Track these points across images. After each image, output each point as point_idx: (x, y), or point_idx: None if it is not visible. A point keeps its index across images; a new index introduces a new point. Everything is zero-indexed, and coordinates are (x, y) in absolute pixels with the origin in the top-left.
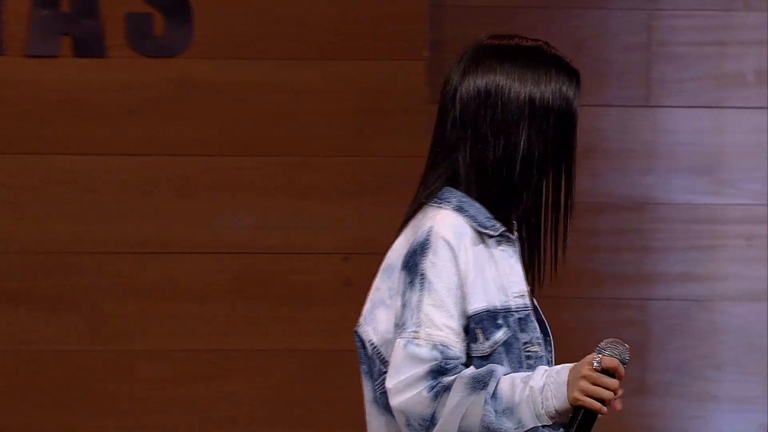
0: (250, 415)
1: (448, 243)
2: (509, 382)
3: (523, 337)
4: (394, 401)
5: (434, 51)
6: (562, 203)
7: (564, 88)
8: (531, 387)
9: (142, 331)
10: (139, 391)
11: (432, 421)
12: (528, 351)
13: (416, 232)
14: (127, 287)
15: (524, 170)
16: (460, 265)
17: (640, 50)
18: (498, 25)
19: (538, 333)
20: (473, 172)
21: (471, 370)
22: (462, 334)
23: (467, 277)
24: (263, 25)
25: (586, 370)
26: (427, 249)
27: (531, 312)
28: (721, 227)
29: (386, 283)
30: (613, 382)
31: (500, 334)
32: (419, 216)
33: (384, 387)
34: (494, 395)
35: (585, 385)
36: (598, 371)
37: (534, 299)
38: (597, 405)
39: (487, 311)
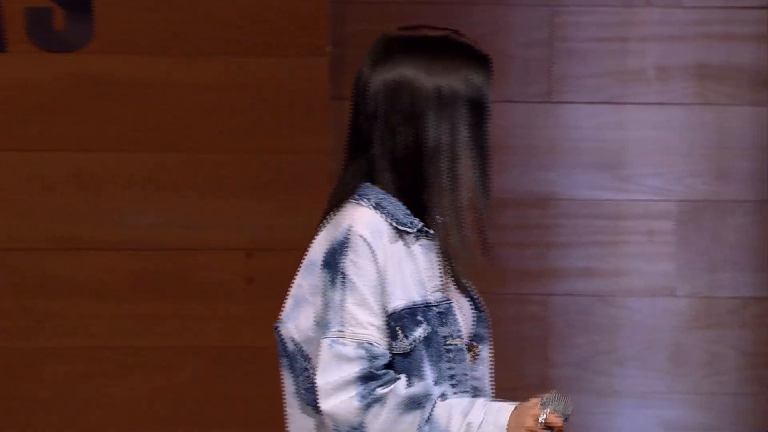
0: (153, 413)
1: (367, 241)
2: (446, 410)
3: (443, 330)
4: (324, 404)
5: (336, 47)
6: (480, 189)
7: (472, 76)
8: (469, 422)
9: (45, 329)
10: (43, 391)
11: (360, 430)
12: (448, 344)
13: (336, 230)
14: (28, 284)
15: (434, 159)
16: (378, 263)
17: (542, 46)
18: (400, 21)
19: (458, 326)
20: (387, 165)
21: (405, 386)
22: (386, 330)
23: (386, 275)
24: (165, 21)
25: (530, 423)
26: (346, 248)
27: (451, 305)
28: (623, 223)
29: (307, 280)
30: None
31: (420, 332)
32: (339, 213)
33: (308, 383)
34: (429, 420)
35: None
36: (541, 427)
37: (465, 282)
38: None
39: (407, 308)
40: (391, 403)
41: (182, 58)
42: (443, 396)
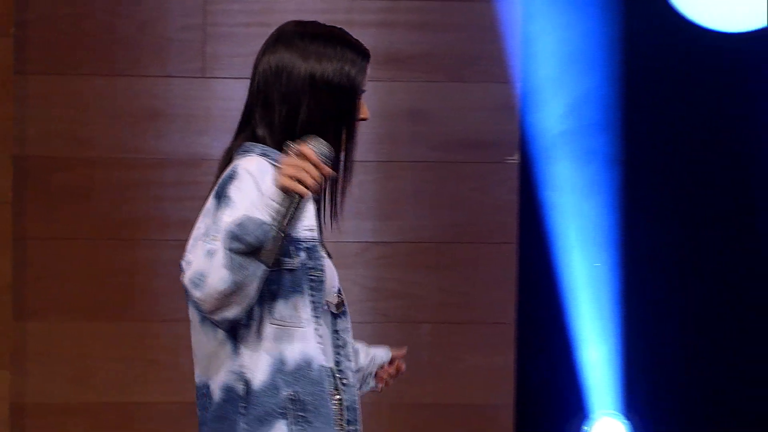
0: None
1: (252, 174)
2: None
3: (309, 263)
4: (185, 282)
5: (20, 29)
6: (341, 163)
7: (347, 66)
8: (262, 193)
9: None
10: None
11: (200, 281)
12: (312, 275)
13: (226, 172)
14: None
15: (302, 134)
16: (261, 191)
17: (197, 30)
18: (73, 6)
19: (322, 261)
20: (268, 134)
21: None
22: None
23: None
24: None
25: (283, 159)
26: (234, 178)
27: (317, 244)
28: None
29: (204, 222)
30: (307, 165)
31: (303, 255)
32: (229, 166)
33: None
34: (240, 224)
35: (284, 168)
36: (293, 154)
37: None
38: (296, 186)
39: (290, 235)
40: (220, 243)
41: None
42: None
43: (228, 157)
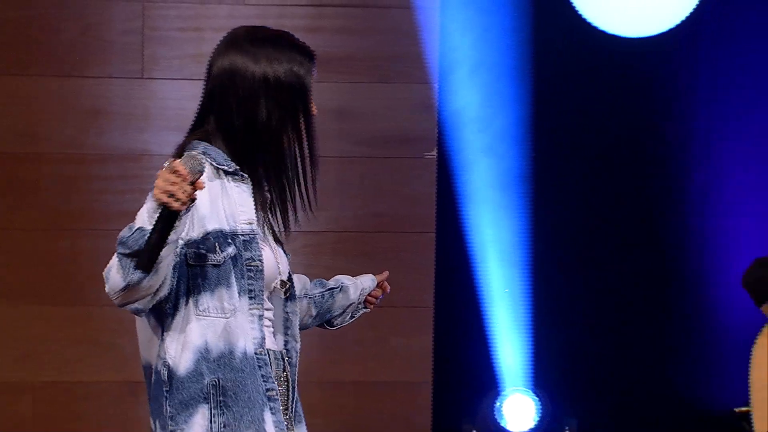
0: None
1: None
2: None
3: (247, 254)
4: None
5: None
6: (307, 157)
7: (296, 67)
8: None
9: None
10: None
11: (107, 281)
12: (249, 266)
13: None
14: None
15: (264, 133)
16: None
17: (136, 34)
18: (20, 11)
19: (259, 252)
20: (221, 134)
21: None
22: (195, 243)
23: (201, 202)
24: None
25: (158, 173)
26: None
27: (256, 236)
28: None
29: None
30: (177, 179)
31: (230, 250)
32: None
33: None
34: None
35: (157, 182)
36: (167, 168)
37: (280, 234)
38: (164, 198)
39: (220, 231)
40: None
41: None
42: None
43: (179, 154)
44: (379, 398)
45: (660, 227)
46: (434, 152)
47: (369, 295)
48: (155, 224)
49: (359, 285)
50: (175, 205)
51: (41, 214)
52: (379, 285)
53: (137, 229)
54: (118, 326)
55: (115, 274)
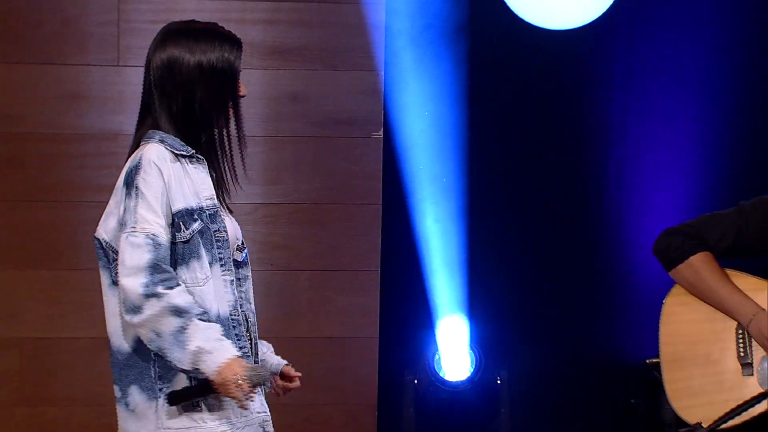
0: None
1: (155, 163)
2: (195, 329)
3: (214, 227)
4: (122, 280)
5: None
6: (237, 136)
7: (226, 54)
8: (201, 347)
9: None
10: None
11: (136, 312)
12: (217, 237)
13: (132, 161)
14: None
15: (201, 116)
16: (164, 178)
17: (112, 25)
18: (4, 3)
19: (224, 224)
20: (166, 120)
21: (178, 295)
22: (167, 228)
23: (170, 187)
24: None
25: (238, 383)
26: (139, 168)
27: (219, 209)
28: None
29: (114, 199)
30: (239, 395)
31: (195, 225)
32: (135, 152)
33: (116, 270)
34: (182, 330)
35: (229, 387)
36: (242, 388)
37: (226, 203)
38: (236, 396)
39: (186, 209)
40: (164, 303)
41: None
42: (203, 314)
43: (136, 143)
44: (330, 352)
45: (582, 199)
46: (380, 132)
47: (273, 376)
48: (207, 390)
49: (266, 354)
50: (240, 402)
51: (25, 187)
52: (282, 375)
53: (183, 348)
54: (93, 287)
55: (155, 313)
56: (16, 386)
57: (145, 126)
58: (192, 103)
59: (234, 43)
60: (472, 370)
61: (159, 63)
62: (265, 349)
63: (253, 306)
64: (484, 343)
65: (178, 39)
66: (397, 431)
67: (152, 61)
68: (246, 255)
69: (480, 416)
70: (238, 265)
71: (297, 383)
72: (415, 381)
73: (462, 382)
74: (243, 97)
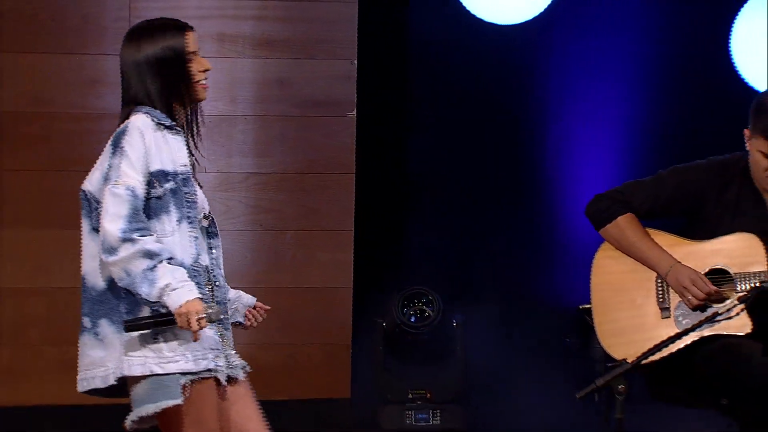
0: None
1: (139, 129)
2: (163, 270)
3: (185, 189)
4: (103, 223)
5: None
6: (194, 113)
7: (172, 42)
8: (168, 284)
9: None
10: None
11: (112, 252)
12: (188, 198)
13: (120, 128)
14: None
15: (161, 100)
16: (145, 142)
17: (125, 21)
18: (35, 3)
19: (195, 188)
20: (140, 99)
21: (151, 242)
22: (144, 184)
23: (150, 150)
24: None
25: (197, 318)
26: (125, 133)
27: (190, 175)
28: None
29: (102, 157)
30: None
31: (168, 185)
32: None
33: (97, 217)
34: (152, 269)
35: (189, 319)
36: (200, 322)
37: (197, 178)
38: (192, 327)
39: (161, 171)
40: (137, 247)
41: None
42: (171, 260)
43: (126, 115)
44: (312, 300)
45: (528, 169)
46: (354, 112)
47: (247, 309)
48: (161, 321)
49: (239, 292)
50: (195, 333)
51: (52, 159)
52: (255, 306)
53: (149, 279)
54: None
55: (130, 269)
56: (44, 328)
57: (128, 106)
58: (151, 91)
59: (177, 29)
60: (432, 313)
61: (122, 62)
62: (232, 292)
63: (222, 271)
64: (442, 289)
65: (129, 41)
66: (369, 366)
67: (121, 59)
68: (216, 225)
69: (438, 354)
70: (210, 235)
71: (264, 314)
72: (384, 324)
73: (423, 324)
74: (207, 70)
